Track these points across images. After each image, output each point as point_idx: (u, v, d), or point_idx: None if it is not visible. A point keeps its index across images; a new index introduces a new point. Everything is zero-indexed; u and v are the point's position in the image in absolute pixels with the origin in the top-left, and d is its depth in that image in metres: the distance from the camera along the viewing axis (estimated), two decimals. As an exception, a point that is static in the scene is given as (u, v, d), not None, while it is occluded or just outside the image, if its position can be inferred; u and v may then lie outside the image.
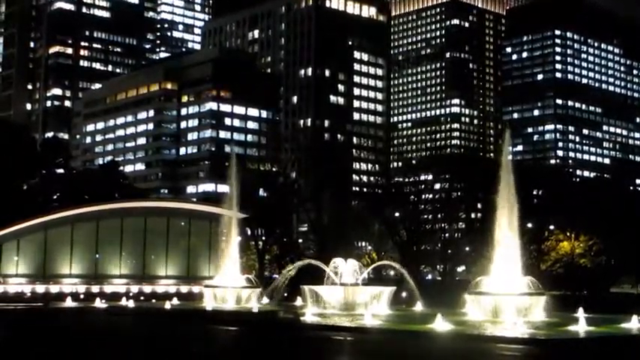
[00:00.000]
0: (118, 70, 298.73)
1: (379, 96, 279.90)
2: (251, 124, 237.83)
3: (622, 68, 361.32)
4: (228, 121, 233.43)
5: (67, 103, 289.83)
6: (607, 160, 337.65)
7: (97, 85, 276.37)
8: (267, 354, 33.83)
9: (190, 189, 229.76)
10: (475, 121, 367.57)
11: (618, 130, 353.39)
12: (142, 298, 76.04)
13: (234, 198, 76.55)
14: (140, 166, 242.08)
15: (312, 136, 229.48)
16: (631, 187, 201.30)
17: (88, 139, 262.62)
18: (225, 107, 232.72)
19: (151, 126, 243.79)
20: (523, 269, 55.11)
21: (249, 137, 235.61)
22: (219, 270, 74.18)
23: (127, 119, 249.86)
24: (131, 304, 65.82)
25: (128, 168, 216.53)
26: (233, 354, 34.41)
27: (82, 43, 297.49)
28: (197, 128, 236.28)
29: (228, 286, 68.66)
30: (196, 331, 45.93)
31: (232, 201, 76.94)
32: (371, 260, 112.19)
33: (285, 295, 69.09)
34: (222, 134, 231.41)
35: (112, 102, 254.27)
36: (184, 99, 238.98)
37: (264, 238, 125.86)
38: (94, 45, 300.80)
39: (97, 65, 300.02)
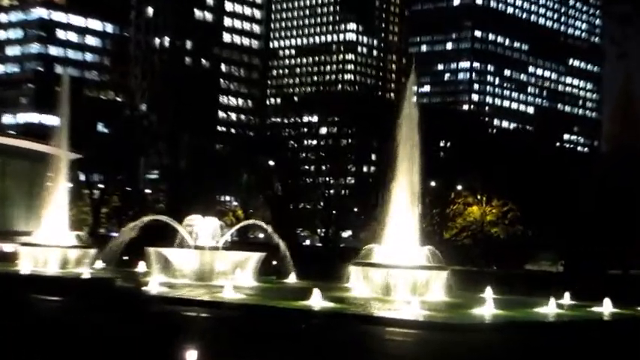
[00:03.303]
0: None
1: (257, 14, 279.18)
2: (91, 40, 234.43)
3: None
4: (61, 35, 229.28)
5: None
6: (531, 109, 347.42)
7: None
8: (93, 330, 33.39)
9: (7, 119, 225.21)
10: (374, 53, 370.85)
11: (547, 73, 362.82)
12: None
13: (65, 133, 75.35)
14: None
15: (170, 59, 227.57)
16: (557, 144, 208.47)
17: None
18: (59, 16, 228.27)
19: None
20: (422, 237, 56.30)
21: (89, 57, 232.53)
22: (40, 224, 73.13)
23: None
24: None
25: None
26: (49, 330, 33.82)
27: None
28: (20, 41, 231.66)
29: (51, 244, 67.83)
30: (5, 301, 45.07)
31: (62, 137, 75.70)
32: (236, 219, 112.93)
33: (126, 258, 68.79)
34: (53, 51, 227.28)
35: None
36: (5, 2, 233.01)
37: (101, 185, 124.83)
38: None
39: None
